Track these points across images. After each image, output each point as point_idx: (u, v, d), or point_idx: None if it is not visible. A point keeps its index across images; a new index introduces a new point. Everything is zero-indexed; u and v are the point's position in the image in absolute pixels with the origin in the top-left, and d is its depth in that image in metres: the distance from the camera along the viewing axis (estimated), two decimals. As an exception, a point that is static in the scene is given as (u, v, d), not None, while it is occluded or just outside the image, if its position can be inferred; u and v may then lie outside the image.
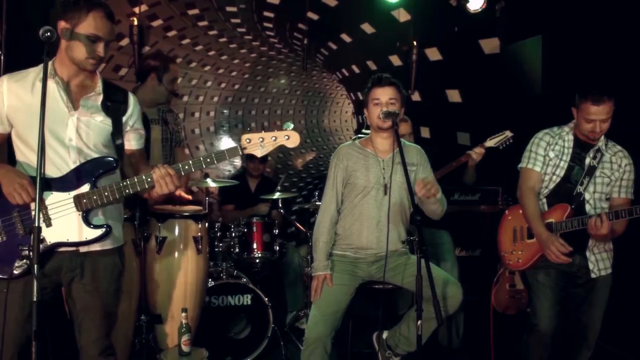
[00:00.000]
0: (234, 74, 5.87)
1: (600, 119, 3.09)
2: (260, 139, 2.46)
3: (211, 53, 5.77)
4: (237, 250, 4.41)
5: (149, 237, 3.54)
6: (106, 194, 2.39)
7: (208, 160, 2.45)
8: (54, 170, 2.39)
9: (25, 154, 2.43)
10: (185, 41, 5.70)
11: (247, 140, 2.46)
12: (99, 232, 2.42)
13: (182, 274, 3.55)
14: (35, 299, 1.96)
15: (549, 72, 5.33)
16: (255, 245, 4.44)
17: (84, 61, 2.37)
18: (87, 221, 2.41)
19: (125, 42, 5.33)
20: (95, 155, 2.45)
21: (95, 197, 2.39)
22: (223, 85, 5.85)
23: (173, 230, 3.58)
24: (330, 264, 3.22)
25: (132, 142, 2.63)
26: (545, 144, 3.31)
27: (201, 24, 5.72)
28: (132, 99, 2.58)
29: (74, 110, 2.41)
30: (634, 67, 4.21)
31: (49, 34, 2.18)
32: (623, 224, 3.13)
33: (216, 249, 4.33)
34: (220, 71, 5.83)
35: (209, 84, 5.81)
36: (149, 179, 2.42)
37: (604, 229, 2.99)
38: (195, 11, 5.69)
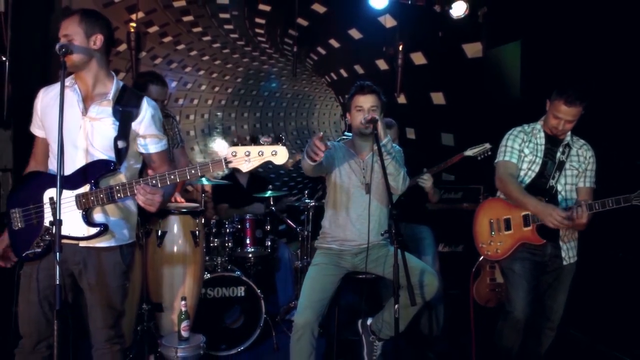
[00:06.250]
0: (227, 78, 6.04)
1: (566, 119, 3.29)
2: (247, 153, 2.36)
3: (205, 58, 5.95)
4: (231, 245, 4.51)
5: (150, 231, 3.71)
6: (101, 196, 2.54)
7: (193, 171, 2.45)
8: (65, 169, 2.58)
9: (50, 156, 2.73)
10: (180, 46, 5.86)
11: (233, 154, 2.36)
12: (94, 230, 2.57)
13: (181, 265, 3.73)
14: (57, 282, 2.18)
15: (528, 75, 5.48)
16: (248, 241, 4.57)
17: None
18: (86, 219, 2.57)
19: (123, 47, 5.53)
20: (102, 157, 2.61)
21: (92, 198, 2.54)
22: (217, 88, 6.02)
23: (172, 225, 3.76)
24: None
25: (148, 146, 2.73)
26: (520, 140, 3.48)
27: (195, 30, 5.89)
28: (144, 105, 2.68)
29: (86, 115, 2.61)
30: (610, 71, 4.40)
31: (64, 49, 2.45)
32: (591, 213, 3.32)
33: (211, 245, 4.46)
34: (214, 75, 6.00)
35: (203, 87, 5.98)
36: (132, 189, 2.52)
37: (584, 219, 3.20)
38: (190, 18, 5.86)
